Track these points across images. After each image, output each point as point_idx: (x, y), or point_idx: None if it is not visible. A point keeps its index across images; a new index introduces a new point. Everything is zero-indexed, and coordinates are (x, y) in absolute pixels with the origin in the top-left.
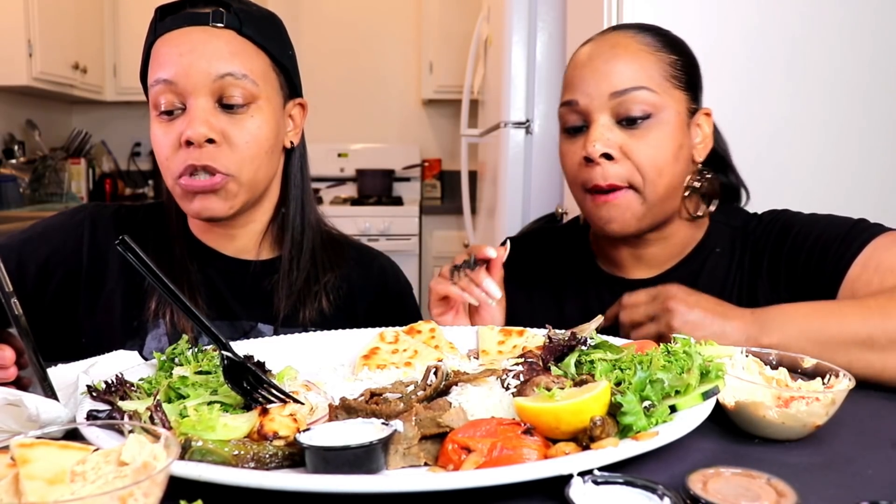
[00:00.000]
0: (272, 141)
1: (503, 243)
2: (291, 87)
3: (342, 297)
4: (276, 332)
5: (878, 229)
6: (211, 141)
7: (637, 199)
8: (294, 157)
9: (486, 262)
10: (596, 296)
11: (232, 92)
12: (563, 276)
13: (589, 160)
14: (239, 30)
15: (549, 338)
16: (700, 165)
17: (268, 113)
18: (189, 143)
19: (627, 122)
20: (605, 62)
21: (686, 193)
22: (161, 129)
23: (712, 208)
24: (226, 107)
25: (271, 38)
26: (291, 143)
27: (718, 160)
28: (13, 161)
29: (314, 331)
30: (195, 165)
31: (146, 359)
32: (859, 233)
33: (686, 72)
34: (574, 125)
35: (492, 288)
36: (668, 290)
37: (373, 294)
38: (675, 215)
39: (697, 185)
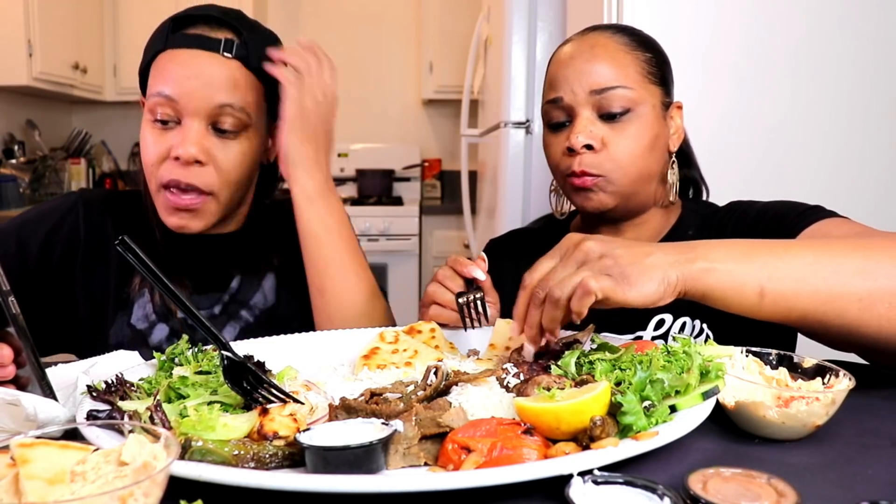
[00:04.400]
0: (254, 165)
1: (488, 247)
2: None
3: (278, 246)
4: (240, 286)
5: (834, 213)
6: (198, 162)
7: (608, 184)
8: (270, 170)
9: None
10: None
11: (226, 119)
12: None
13: (571, 150)
14: (246, 61)
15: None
16: (673, 156)
17: (255, 141)
18: (177, 159)
19: (608, 116)
20: (585, 61)
21: (667, 182)
22: (153, 136)
23: (677, 198)
24: (218, 130)
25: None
26: (268, 159)
27: (683, 155)
28: (13, 161)
29: (275, 277)
30: (179, 182)
31: (135, 327)
32: (816, 212)
33: (659, 68)
34: (558, 121)
35: (491, 312)
36: (570, 238)
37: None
38: (650, 202)
39: (670, 173)
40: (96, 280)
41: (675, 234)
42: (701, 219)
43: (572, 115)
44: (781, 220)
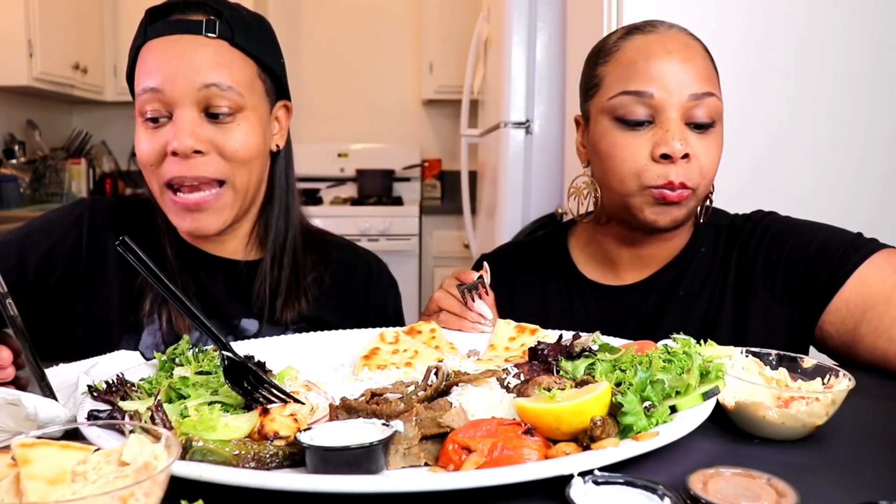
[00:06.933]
0: (261, 146)
1: (479, 264)
2: (279, 89)
3: (326, 297)
4: (259, 331)
5: (875, 246)
6: (198, 152)
7: (695, 199)
8: (279, 159)
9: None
10: (581, 303)
11: (217, 102)
12: (544, 286)
13: (665, 157)
14: (231, 40)
15: (561, 337)
16: None
17: (254, 121)
18: (175, 154)
19: (696, 126)
20: (685, 60)
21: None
22: (146, 136)
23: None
24: (212, 116)
25: (262, 46)
26: (277, 146)
27: None
28: (13, 161)
29: (296, 329)
30: (184, 177)
31: (143, 355)
32: (863, 242)
33: (717, 77)
34: (637, 118)
35: (483, 310)
36: None
37: (360, 297)
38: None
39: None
40: (99, 300)
41: (689, 251)
42: (714, 231)
43: (659, 116)
44: (827, 253)
